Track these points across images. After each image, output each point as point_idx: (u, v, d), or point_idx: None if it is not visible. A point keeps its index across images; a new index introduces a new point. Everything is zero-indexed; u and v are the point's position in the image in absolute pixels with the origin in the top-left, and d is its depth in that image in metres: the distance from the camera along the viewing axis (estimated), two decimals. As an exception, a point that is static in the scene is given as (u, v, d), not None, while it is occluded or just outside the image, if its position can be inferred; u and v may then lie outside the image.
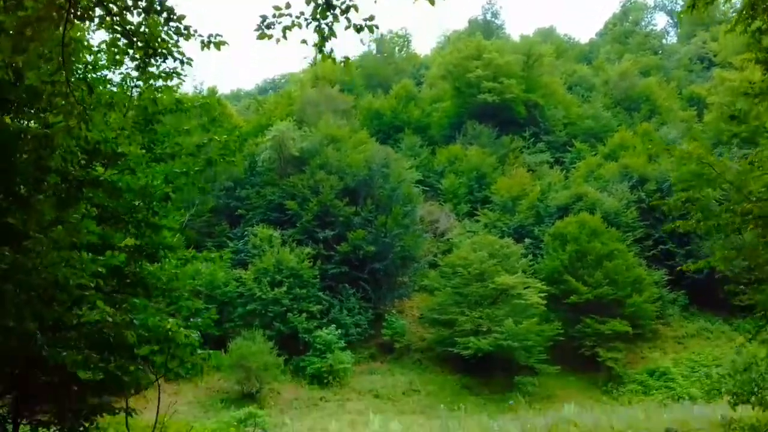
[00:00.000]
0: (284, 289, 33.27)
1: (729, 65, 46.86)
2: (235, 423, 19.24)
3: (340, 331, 33.46)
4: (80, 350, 5.21)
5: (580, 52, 76.41)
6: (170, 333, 5.06)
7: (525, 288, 33.70)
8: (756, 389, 5.97)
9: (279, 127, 41.93)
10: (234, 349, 29.58)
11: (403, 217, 37.86)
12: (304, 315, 33.32)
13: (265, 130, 43.45)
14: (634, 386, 31.36)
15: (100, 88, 4.36)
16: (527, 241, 39.70)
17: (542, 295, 33.47)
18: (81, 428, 6.15)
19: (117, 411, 6.30)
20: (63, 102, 4.03)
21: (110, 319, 4.93)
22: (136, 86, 6.36)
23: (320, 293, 34.88)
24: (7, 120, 5.34)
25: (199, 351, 5.18)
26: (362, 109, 55.24)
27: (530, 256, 37.45)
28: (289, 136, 40.99)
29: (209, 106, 7.66)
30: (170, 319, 5.35)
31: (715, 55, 60.38)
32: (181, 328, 5.12)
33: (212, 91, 47.36)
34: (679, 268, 9.65)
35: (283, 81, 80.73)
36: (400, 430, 11.74)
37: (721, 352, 32.46)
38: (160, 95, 6.50)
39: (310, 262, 34.95)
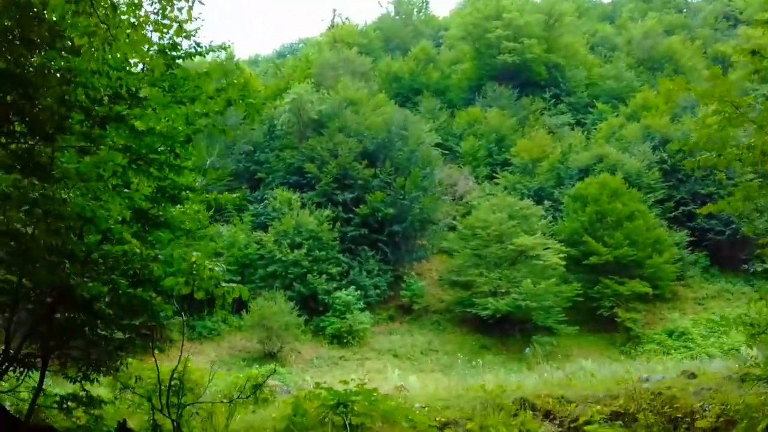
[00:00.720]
0: (304, 251, 33.54)
1: (755, 22, 45.56)
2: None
3: (359, 292, 33.77)
4: (107, 283, 5.36)
5: (603, 11, 74.77)
6: (195, 266, 5.17)
7: (544, 249, 33.64)
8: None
9: (297, 90, 41.83)
10: (255, 309, 30.03)
11: (422, 179, 37.79)
12: (324, 276, 33.62)
13: (284, 94, 43.40)
14: (652, 346, 31.35)
15: (123, 8, 4.39)
16: (547, 203, 39.50)
17: (561, 256, 33.41)
18: (108, 365, 6.34)
19: (144, 349, 6.47)
20: (86, 22, 4.07)
21: (137, 251, 5.05)
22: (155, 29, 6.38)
23: (339, 255, 35.13)
24: (32, 59, 5.40)
25: (223, 284, 5.29)
26: (380, 72, 54.80)
27: (550, 218, 37.32)
28: (307, 99, 40.91)
29: (226, 53, 7.65)
30: (195, 253, 5.45)
31: (741, 13, 58.80)
32: (206, 261, 5.23)
33: (225, 48, 46.89)
34: (698, 210, 9.48)
35: (300, 45, 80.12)
36: (419, 385, 11.89)
37: (741, 313, 32.25)
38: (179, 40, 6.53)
39: (329, 224, 35.14)
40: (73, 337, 6.22)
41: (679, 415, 7.04)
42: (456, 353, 32.47)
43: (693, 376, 8.29)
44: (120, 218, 5.22)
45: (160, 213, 6.80)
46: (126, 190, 5.34)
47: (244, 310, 31.21)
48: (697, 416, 6.94)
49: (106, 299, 6.60)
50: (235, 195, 6.94)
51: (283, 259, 33.26)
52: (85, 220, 5.01)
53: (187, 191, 6.56)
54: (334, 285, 33.75)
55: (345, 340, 32.23)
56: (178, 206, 6.86)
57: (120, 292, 5.30)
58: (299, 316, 31.23)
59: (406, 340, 34.14)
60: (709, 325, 32.59)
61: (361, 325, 32.61)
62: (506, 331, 33.03)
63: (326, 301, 33.34)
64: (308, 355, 31.18)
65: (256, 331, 29.70)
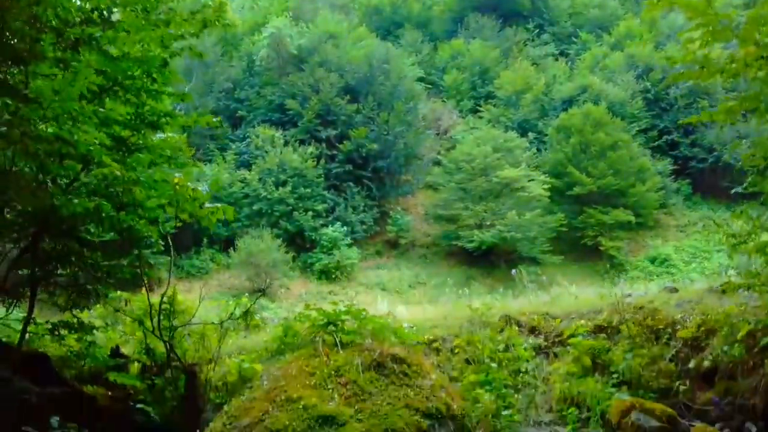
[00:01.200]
0: (289, 188, 33.47)
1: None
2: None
3: (345, 228, 33.91)
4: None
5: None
6: (177, 187, 5.11)
7: (528, 181, 33.80)
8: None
9: (275, 24, 40.84)
10: (242, 247, 30.14)
11: (406, 114, 37.44)
12: (310, 213, 33.67)
13: (261, 29, 42.36)
14: (635, 273, 31.95)
15: None
16: (531, 135, 39.43)
17: (546, 187, 33.61)
18: (98, 291, 6.36)
19: (133, 280, 6.48)
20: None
21: (118, 173, 4.98)
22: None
23: (325, 192, 35.09)
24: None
25: (207, 205, 5.25)
26: (360, 5, 53.42)
27: (534, 150, 37.35)
28: (286, 33, 39.98)
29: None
30: (177, 174, 5.38)
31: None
32: (188, 183, 5.17)
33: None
34: (679, 122, 9.44)
35: (277, -21, 77.58)
36: (407, 313, 12.06)
37: (722, 239, 32.81)
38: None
39: (313, 161, 34.95)
40: (60, 265, 6.21)
41: (661, 327, 7.21)
42: (443, 285, 32.96)
43: (675, 290, 8.48)
44: (98, 142, 5.12)
45: (141, 141, 6.70)
46: (101, 109, 5.21)
47: (231, 248, 31.32)
48: (679, 327, 7.12)
49: (91, 227, 6.57)
50: (215, 119, 6.80)
51: (269, 197, 33.21)
52: (63, 142, 4.92)
53: (167, 117, 6.44)
54: (321, 222, 33.85)
55: (333, 276, 32.55)
56: (159, 134, 6.76)
57: (104, 215, 5.26)
58: (287, 253, 31.39)
59: (393, 274, 34.53)
60: (691, 251, 33.20)
61: (348, 261, 32.90)
62: (492, 262, 33.47)
63: (313, 237, 33.50)
64: (297, 291, 31.50)
65: (245, 269, 29.87)
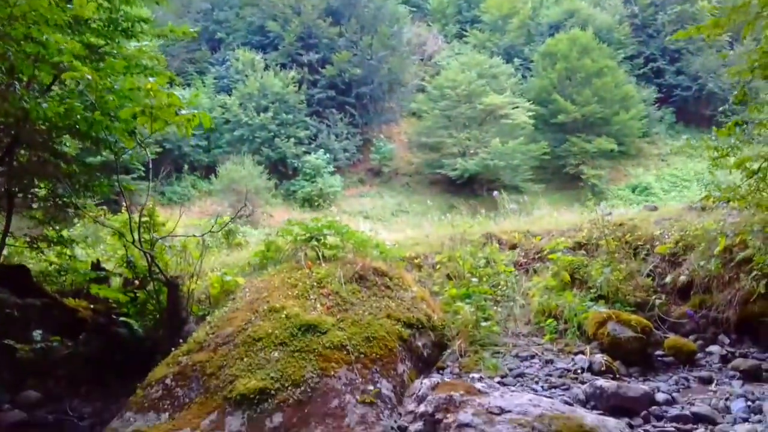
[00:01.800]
0: (270, 114, 32.99)
1: None
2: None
3: (328, 156, 33.68)
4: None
5: None
6: (152, 92, 4.93)
7: (513, 108, 33.60)
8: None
9: (254, -58, 39.23)
10: (224, 173, 29.90)
11: (389, 38, 36.69)
12: (292, 140, 33.33)
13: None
14: (616, 201, 32.27)
15: None
16: (517, 61, 38.94)
17: (530, 114, 33.47)
18: (75, 204, 6.26)
19: (109, 193, 6.37)
20: None
21: (89, 77, 4.80)
22: None
23: (307, 119, 34.67)
24: None
25: (183, 112, 5.09)
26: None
27: (519, 77, 36.96)
28: (266, -48, 38.49)
29: None
30: (150, 78, 5.20)
31: None
32: (162, 90, 5.00)
33: None
34: (669, 38, 9.28)
35: None
36: (390, 237, 12.08)
37: (703, 168, 33.12)
38: None
39: (295, 86, 34.35)
40: (36, 177, 6.08)
41: (640, 243, 7.30)
42: (425, 214, 33.16)
43: (654, 209, 8.55)
44: (69, 49, 4.90)
45: (115, 50, 6.47)
46: (69, 6, 4.96)
47: (212, 174, 31.07)
48: (657, 243, 7.21)
49: (66, 142, 6.41)
50: (192, 30, 6.55)
51: (249, 122, 32.76)
52: (33, 42, 4.70)
53: (141, 23, 6.20)
54: (303, 149, 33.57)
55: (316, 204, 32.54)
56: (134, 43, 6.52)
57: (78, 117, 5.10)
58: (269, 180, 31.23)
59: (376, 202, 34.61)
60: (671, 179, 33.52)
61: (331, 189, 32.85)
62: (475, 191, 33.59)
63: (295, 165, 33.28)
64: (280, 218, 31.47)
65: (227, 196, 29.74)
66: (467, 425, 3.86)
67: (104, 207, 6.80)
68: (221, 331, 5.34)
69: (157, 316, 6.33)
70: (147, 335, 6.42)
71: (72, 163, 6.02)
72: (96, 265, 6.81)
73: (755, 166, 5.80)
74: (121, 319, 6.41)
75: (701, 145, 6.12)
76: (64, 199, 6.13)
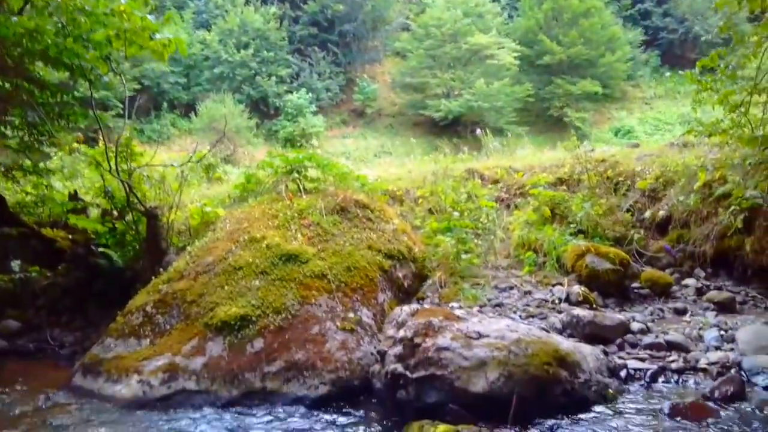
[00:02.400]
0: (251, 51, 32.28)
1: None
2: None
3: (310, 95, 33.19)
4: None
5: None
6: (125, 15, 4.74)
7: (498, 48, 33.14)
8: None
9: None
10: (204, 112, 29.42)
11: (374, -27, 35.79)
12: (274, 79, 32.75)
13: None
14: (599, 144, 32.27)
15: None
16: (503, 0, 38.20)
17: (515, 55, 33.06)
18: (50, 131, 6.12)
19: (83, 117, 6.20)
20: None
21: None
22: None
23: (289, 57, 34.00)
24: None
25: (158, 36, 4.92)
26: None
27: (506, 16, 36.33)
28: None
29: None
30: (122, 0, 4.99)
31: None
32: (135, 11, 4.80)
33: None
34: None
35: None
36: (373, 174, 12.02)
37: (686, 111, 33.14)
38: None
39: (276, 22, 33.53)
40: (9, 104, 5.91)
41: (621, 179, 7.33)
42: (409, 155, 33.01)
43: (636, 146, 8.56)
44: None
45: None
46: None
47: (192, 113, 30.56)
48: (638, 179, 7.24)
49: (39, 70, 6.20)
50: None
51: (230, 59, 32.07)
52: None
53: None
54: (285, 88, 33.03)
55: (298, 144, 32.18)
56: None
57: (49, 41, 4.91)
58: (250, 119, 30.80)
59: (359, 143, 34.35)
60: (654, 123, 33.55)
61: (313, 129, 32.49)
62: (459, 133, 33.38)
63: (277, 104, 32.81)
64: (261, 158, 31.24)
65: (207, 135, 29.28)
66: (445, 349, 3.91)
67: (79, 133, 6.64)
68: (202, 261, 5.33)
69: (137, 247, 6.29)
70: (127, 266, 6.39)
71: (46, 90, 5.84)
72: (73, 196, 6.72)
73: (737, 99, 5.78)
74: (100, 250, 6.36)
75: (686, 80, 6.06)
76: (39, 128, 5.98)
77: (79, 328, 6.29)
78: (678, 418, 3.60)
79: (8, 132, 6.14)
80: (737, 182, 6.07)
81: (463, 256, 6.14)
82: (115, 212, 6.38)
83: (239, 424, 3.95)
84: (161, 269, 5.57)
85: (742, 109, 5.83)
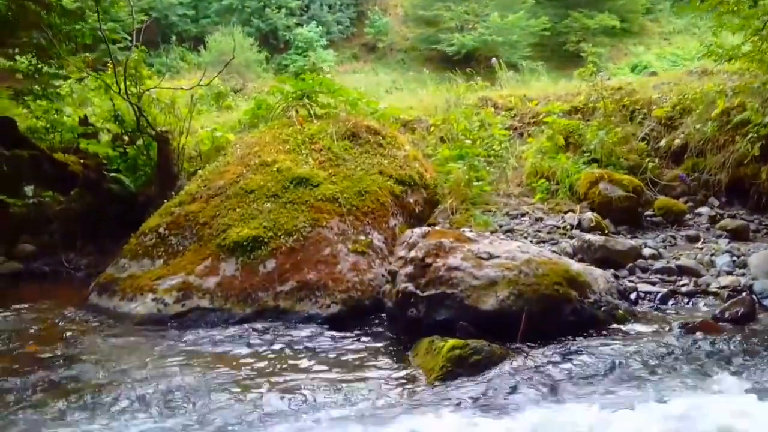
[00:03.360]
0: (260, -18, 31.53)
1: None
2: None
3: (321, 29, 32.51)
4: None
5: None
6: None
7: (514, -20, 32.14)
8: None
9: None
10: (213, 45, 28.96)
11: None
12: (283, 11, 32.06)
13: None
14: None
15: None
16: (520, -71, 36.77)
17: (531, -13, 32.10)
18: (58, 54, 6.04)
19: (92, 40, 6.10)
20: None
21: None
22: None
23: (298, -13, 33.17)
24: None
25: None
26: None
27: (522, -54, 35.06)
28: None
29: None
30: None
31: None
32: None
33: None
34: None
35: None
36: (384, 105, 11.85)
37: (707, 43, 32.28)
38: None
39: (285, -48, 32.59)
40: (16, 27, 5.81)
41: (637, 107, 7.20)
42: (421, 89, 32.55)
43: (654, 74, 8.37)
44: None
45: None
46: None
47: (201, 46, 30.11)
48: (654, 107, 7.10)
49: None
50: None
51: (239, -9, 31.36)
52: None
53: None
54: (295, 20, 32.36)
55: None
56: None
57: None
58: (259, 53, 30.30)
59: (370, 79, 33.74)
60: (672, 58, 32.72)
61: (324, 63, 31.90)
62: (472, 68, 32.76)
63: (287, 37, 32.20)
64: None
65: (217, 69, 28.82)
66: (456, 268, 3.92)
67: (88, 54, 6.54)
68: (213, 184, 5.33)
69: (149, 171, 6.29)
70: (139, 191, 6.41)
71: (53, 11, 5.74)
72: (83, 121, 6.68)
73: (758, 23, 5.59)
74: (112, 175, 6.37)
75: (707, 5, 5.82)
76: (47, 50, 5.90)
77: (94, 252, 6.36)
78: (687, 336, 3.62)
79: (17, 56, 6.07)
80: (756, 109, 5.94)
81: (475, 184, 6.10)
82: (125, 137, 6.36)
83: (253, 339, 4.03)
84: (173, 194, 5.58)
85: (764, 32, 5.64)
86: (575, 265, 4.25)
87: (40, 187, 6.44)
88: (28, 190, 6.45)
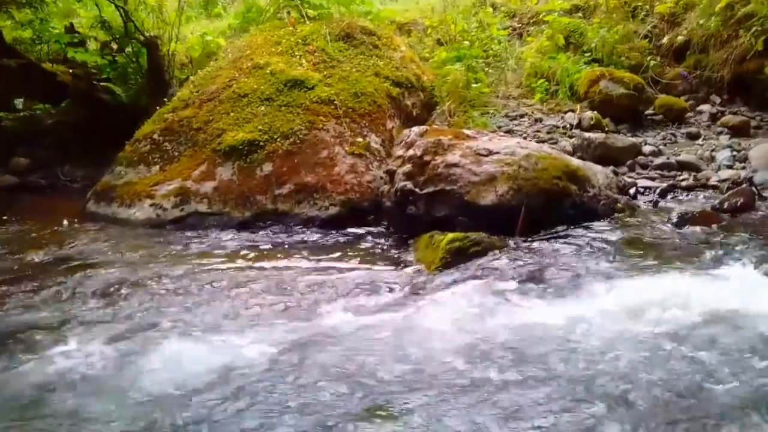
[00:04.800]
0: None
1: None
2: None
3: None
4: None
5: None
6: None
7: None
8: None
9: None
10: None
11: None
12: None
13: None
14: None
15: None
16: None
17: None
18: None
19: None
20: None
21: None
22: None
23: None
24: None
25: None
26: None
27: None
28: None
29: None
30: None
31: None
32: None
33: None
34: None
35: None
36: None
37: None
38: None
39: None
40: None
41: (640, 3, 6.96)
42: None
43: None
44: None
45: None
46: None
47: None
48: (657, 2, 6.86)
49: None
50: None
51: None
52: None
53: None
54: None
55: None
56: None
57: None
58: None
59: None
60: None
61: None
62: None
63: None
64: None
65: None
66: (455, 165, 3.88)
67: None
68: (205, 89, 5.22)
69: (139, 80, 6.15)
70: (131, 102, 6.28)
71: None
72: (70, 29, 6.46)
73: None
74: (103, 84, 6.23)
75: None
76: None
77: (89, 164, 6.28)
78: (686, 226, 3.63)
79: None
80: (761, 1, 5.75)
81: (474, 85, 5.96)
82: (114, 44, 6.17)
83: (253, 239, 4.04)
84: (165, 101, 5.48)
85: None
86: (575, 161, 4.22)
87: (31, 100, 6.31)
88: (18, 102, 6.33)
